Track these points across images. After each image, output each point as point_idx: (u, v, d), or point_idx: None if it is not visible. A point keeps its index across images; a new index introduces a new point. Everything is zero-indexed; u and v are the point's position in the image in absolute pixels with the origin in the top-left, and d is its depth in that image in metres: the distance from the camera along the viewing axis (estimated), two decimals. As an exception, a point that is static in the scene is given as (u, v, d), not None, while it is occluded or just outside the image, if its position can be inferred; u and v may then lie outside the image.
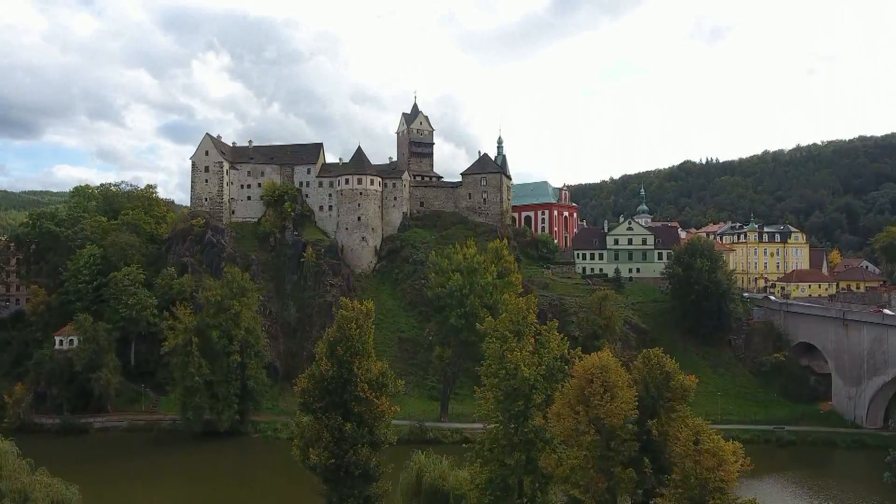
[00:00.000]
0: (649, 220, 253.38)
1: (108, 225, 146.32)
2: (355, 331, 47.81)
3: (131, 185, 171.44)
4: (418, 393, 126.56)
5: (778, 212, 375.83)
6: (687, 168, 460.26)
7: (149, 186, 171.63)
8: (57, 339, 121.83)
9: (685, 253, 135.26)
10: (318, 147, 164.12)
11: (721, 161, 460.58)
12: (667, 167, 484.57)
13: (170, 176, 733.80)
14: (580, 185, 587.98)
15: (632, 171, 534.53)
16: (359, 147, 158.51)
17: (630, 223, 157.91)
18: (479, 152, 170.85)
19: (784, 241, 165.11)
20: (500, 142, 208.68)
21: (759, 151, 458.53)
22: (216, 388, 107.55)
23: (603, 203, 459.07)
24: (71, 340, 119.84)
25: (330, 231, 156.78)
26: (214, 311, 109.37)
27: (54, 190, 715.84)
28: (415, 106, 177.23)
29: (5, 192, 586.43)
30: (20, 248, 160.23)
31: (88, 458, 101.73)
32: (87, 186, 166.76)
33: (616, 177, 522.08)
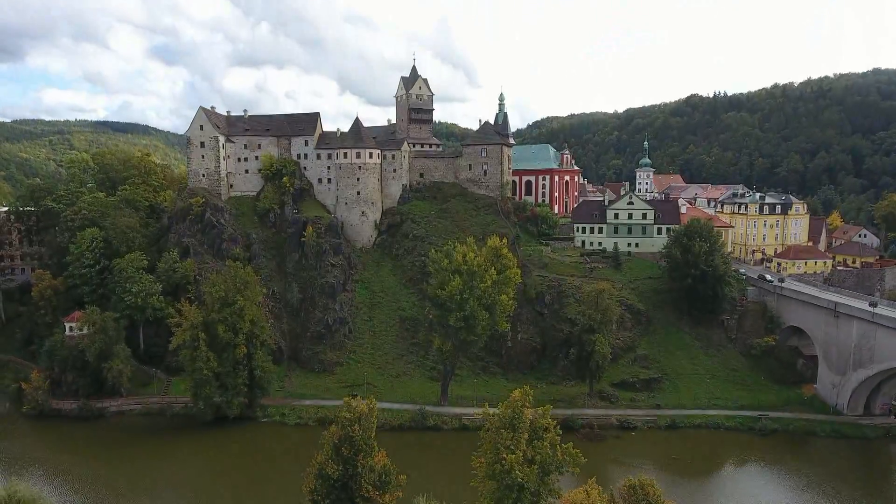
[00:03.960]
0: (651, 172, 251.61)
1: (107, 201, 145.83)
2: (358, 432, 49.95)
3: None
4: (419, 374, 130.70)
5: (783, 151, 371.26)
6: (693, 102, 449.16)
7: (145, 155, 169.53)
8: (67, 325, 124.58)
9: (684, 235, 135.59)
10: (314, 117, 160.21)
11: (729, 95, 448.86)
12: (673, 101, 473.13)
13: (161, 100, 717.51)
14: (583, 116, 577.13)
15: (636, 104, 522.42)
16: (356, 118, 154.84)
17: (631, 197, 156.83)
18: (480, 120, 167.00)
19: (784, 212, 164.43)
20: (501, 98, 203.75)
21: (768, 85, 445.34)
22: (224, 379, 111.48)
23: (605, 140, 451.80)
24: (81, 327, 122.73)
25: (329, 204, 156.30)
26: (219, 307, 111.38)
27: (46, 118, 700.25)
28: (413, 69, 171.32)
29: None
30: (20, 219, 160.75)
31: (107, 444, 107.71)
32: (82, 157, 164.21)
33: (620, 110, 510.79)
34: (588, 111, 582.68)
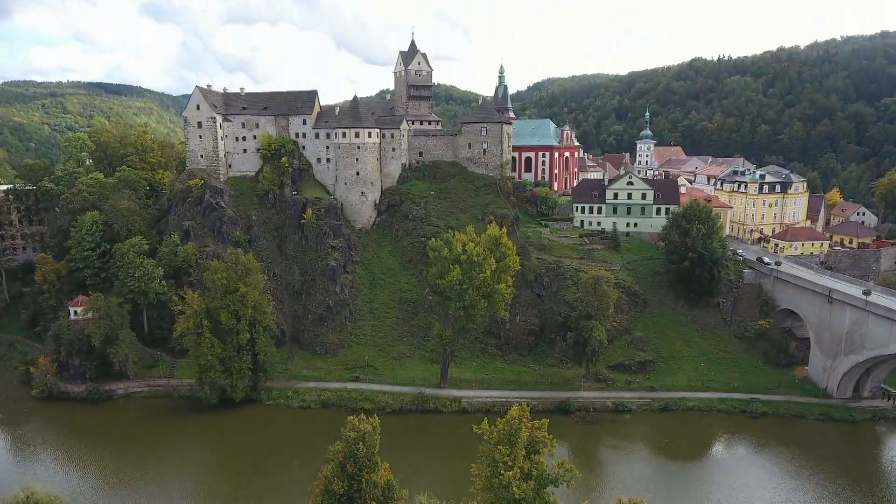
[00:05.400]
0: (652, 144, 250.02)
1: (106, 183, 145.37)
2: (362, 449, 51.77)
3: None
4: (419, 355, 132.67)
5: (786, 118, 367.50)
6: (697, 66, 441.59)
7: (142, 132, 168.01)
8: (71, 309, 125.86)
9: (683, 217, 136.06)
10: (312, 95, 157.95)
11: (733, 58, 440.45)
12: (676, 64, 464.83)
13: (154, 61, 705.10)
14: (583, 78, 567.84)
15: (640, 67, 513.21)
16: (355, 96, 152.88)
17: (630, 177, 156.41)
18: (480, 99, 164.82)
19: (784, 191, 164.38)
20: (501, 70, 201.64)
21: (773, 48, 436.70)
22: (228, 363, 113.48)
23: (607, 104, 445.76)
24: (85, 312, 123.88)
25: (329, 184, 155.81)
26: (221, 294, 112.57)
27: (38, 80, 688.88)
28: (412, 44, 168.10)
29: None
30: (19, 199, 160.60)
31: (116, 427, 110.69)
32: (79, 137, 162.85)
33: (623, 73, 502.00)
34: (589, 73, 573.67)
